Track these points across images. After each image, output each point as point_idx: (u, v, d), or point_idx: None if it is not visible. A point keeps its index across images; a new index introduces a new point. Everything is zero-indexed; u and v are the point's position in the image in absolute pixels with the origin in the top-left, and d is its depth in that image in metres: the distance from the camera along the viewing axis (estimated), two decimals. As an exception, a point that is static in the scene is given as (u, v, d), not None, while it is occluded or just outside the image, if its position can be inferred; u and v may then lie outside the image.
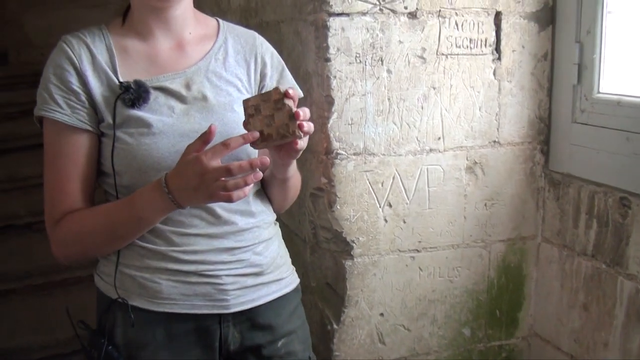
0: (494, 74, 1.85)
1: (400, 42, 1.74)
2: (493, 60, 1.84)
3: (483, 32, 1.81)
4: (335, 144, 1.75)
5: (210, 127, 1.15)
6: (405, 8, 1.73)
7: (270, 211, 1.46)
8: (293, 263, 1.52)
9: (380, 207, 1.82)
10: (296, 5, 1.86)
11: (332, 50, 1.70)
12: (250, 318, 1.38)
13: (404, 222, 1.84)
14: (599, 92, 1.76)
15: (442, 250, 1.90)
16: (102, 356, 1.30)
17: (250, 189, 1.20)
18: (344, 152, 1.76)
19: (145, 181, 1.24)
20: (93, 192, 1.33)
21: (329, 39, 1.69)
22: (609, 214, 1.68)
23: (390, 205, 1.82)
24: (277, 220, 1.50)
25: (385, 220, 1.83)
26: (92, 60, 1.29)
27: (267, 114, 1.19)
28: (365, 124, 1.76)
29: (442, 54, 1.79)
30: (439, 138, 1.83)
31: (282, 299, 1.43)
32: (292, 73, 1.48)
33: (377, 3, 1.71)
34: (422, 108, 1.80)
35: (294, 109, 1.17)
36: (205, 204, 1.28)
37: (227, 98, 1.35)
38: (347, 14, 1.69)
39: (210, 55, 1.37)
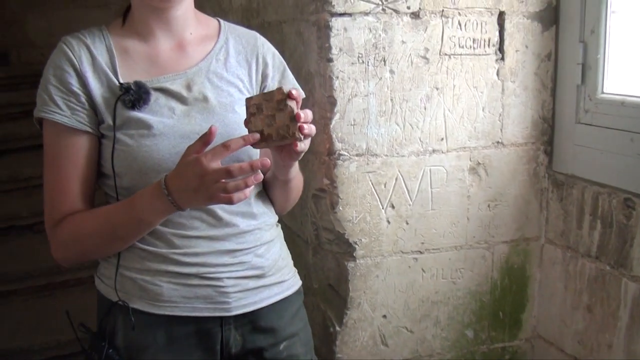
0: (497, 74, 1.84)
1: (403, 42, 1.74)
2: (496, 60, 1.83)
3: (486, 32, 1.80)
4: (338, 145, 1.74)
5: (210, 128, 1.14)
6: (408, 8, 1.72)
7: (272, 213, 1.45)
8: (295, 265, 1.51)
9: (382, 208, 1.81)
10: (298, 5, 1.86)
11: (334, 51, 1.69)
12: (252, 321, 1.37)
13: (407, 223, 1.84)
14: (603, 93, 1.75)
15: (445, 252, 1.89)
16: (102, 359, 1.29)
17: (251, 191, 1.19)
18: (346, 153, 1.75)
19: (145, 183, 1.23)
20: (93, 193, 1.32)
21: (331, 39, 1.68)
22: (613, 215, 1.67)
23: (393, 207, 1.81)
24: (278, 221, 1.49)
25: (388, 222, 1.82)
26: (92, 61, 1.28)
27: (268, 113, 1.18)
28: (367, 125, 1.75)
29: (445, 54, 1.78)
30: (442, 139, 1.82)
31: (284, 301, 1.42)
32: (294, 73, 1.47)
33: (380, 3, 1.70)
34: (425, 109, 1.79)
35: (296, 111, 1.16)
36: (205, 206, 1.28)
37: (228, 99, 1.34)
38: (350, 14, 1.68)
39: (211, 56, 1.36)
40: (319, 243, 1.92)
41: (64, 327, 1.39)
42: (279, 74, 1.44)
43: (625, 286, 1.64)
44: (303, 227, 2.02)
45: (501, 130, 1.87)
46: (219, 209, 1.31)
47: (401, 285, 1.87)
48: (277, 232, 1.47)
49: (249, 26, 1.50)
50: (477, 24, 1.79)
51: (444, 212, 1.86)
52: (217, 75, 1.35)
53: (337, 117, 1.73)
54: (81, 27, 1.35)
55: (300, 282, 1.50)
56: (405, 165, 1.80)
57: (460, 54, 1.79)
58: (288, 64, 1.47)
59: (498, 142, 1.87)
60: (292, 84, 1.43)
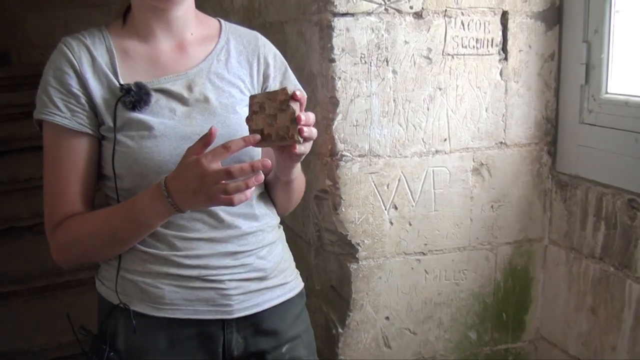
0: (501, 74, 1.83)
1: (405, 42, 1.73)
2: (499, 60, 1.82)
3: (489, 32, 1.80)
4: (340, 146, 1.73)
5: (210, 129, 1.13)
6: (411, 8, 1.72)
7: (274, 214, 1.44)
8: (297, 266, 1.50)
9: (385, 209, 1.80)
10: (300, 5, 1.85)
11: (336, 51, 1.68)
12: (254, 323, 1.36)
13: (410, 224, 1.83)
14: (606, 93, 1.75)
15: (448, 253, 1.88)
16: (103, 362, 1.29)
17: (252, 192, 1.18)
18: (348, 154, 1.74)
19: (146, 184, 1.22)
20: (93, 195, 1.32)
21: (334, 40, 1.68)
22: (617, 216, 1.66)
23: (395, 208, 1.80)
24: (280, 223, 1.48)
25: (391, 223, 1.81)
26: (92, 62, 1.27)
27: (270, 113, 1.17)
28: (370, 126, 1.74)
29: (448, 54, 1.77)
30: (445, 139, 1.81)
31: (287, 303, 1.41)
32: (296, 74, 1.46)
33: (382, 3, 1.69)
34: (427, 109, 1.78)
35: (297, 113, 1.15)
36: (206, 208, 1.27)
37: (230, 100, 1.33)
38: (352, 14, 1.68)
39: (212, 57, 1.35)
40: (321, 244, 1.91)
41: (65, 328, 1.38)
42: (281, 75, 1.43)
43: (630, 287, 1.63)
44: (305, 229, 2.01)
45: (504, 130, 1.86)
46: (221, 211, 1.30)
47: (404, 286, 1.86)
48: (279, 234, 1.46)
49: (250, 26, 1.49)
50: (480, 23, 1.78)
51: (447, 213, 1.85)
52: (218, 75, 1.34)
53: (339, 117, 1.72)
54: (81, 27, 1.34)
55: (302, 284, 1.49)
56: (408, 166, 1.80)
57: (463, 54, 1.79)
58: (290, 65, 1.46)
59: (501, 143, 1.87)
60: (293, 85, 1.42)
